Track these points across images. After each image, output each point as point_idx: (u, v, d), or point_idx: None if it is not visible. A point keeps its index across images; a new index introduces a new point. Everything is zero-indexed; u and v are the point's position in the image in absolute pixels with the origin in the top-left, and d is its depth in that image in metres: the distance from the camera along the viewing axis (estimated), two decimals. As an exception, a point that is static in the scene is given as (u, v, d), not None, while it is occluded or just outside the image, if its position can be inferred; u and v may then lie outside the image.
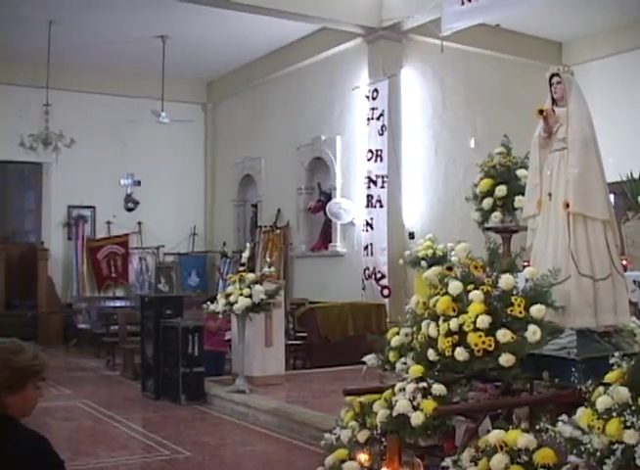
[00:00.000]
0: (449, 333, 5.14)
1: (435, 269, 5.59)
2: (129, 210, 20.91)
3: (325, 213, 16.70)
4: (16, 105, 18.88)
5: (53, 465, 3.28)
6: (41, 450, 3.25)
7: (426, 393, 5.09)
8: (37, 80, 18.15)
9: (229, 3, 14.25)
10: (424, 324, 5.37)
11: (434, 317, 5.30)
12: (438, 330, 5.21)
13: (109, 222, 20.59)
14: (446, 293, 5.30)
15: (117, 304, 19.60)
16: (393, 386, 5.36)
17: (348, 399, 5.76)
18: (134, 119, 18.91)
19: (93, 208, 20.48)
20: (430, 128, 15.33)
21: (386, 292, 14.81)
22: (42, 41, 16.64)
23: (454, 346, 5.10)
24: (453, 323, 5.11)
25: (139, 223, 20.78)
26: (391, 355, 5.88)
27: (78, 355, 17.02)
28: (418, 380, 5.21)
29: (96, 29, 16.64)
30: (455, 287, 5.26)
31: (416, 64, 15.50)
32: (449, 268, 5.50)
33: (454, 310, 5.18)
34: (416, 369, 5.28)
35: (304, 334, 14.12)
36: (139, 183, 20.86)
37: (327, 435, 5.72)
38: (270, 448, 8.70)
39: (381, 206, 14.98)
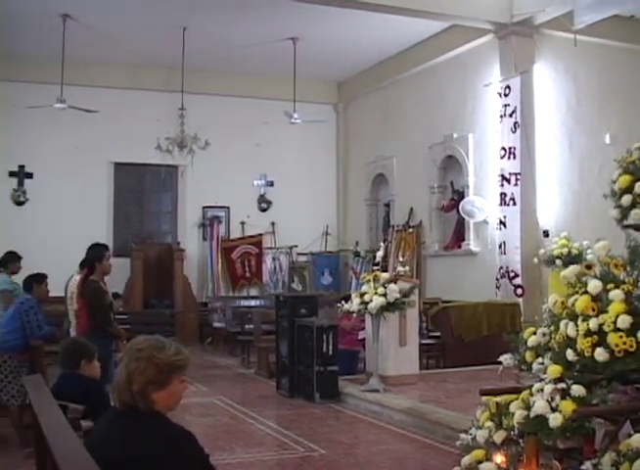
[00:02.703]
0: (589, 333, 5.02)
1: (574, 268, 5.47)
2: (263, 210, 21.23)
3: (458, 212, 16.59)
4: (152, 109, 19.46)
5: (199, 459, 3.37)
6: (188, 445, 3.34)
7: (564, 394, 5.00)
8: (172, 85, 18.66)
9: (359, 3, 14.29)
10: (562, 324, 5.26)
11: (573, 317, 5.19)
12: (577, 330, 5.10)
13: (243, 223, 20.96)
14: (585, 292, 5.18)
15: (252, 303, 19.89)
16: (531, 386, 5.27)
17: (484, 398, 5.70)
18: (267, 121, 19.15)
19: (227, 208, 20.88)
20: (563, 124, 15.01)
21: (519, 291, 14.59)
22: (177, 46, 17.07)
23: (594, 346, 4.99)
24: (593, 323, 4.99)
25: (272, 223, 21.07)
26: (528, 355, 5.79)
27: (214, 353, 17.38)
28: (556, 381, 5.12)
29: (228, 34, 16.98)
30: (595, 286, 5.13)
31: (548, 59, 15.20)
32: (588, 267, 5.37)
33: (594, 310, 5.06)
34: (554, 370, 5.18)
35: (438, 333, 14.05)
36: (272, 184, 21.16)
37: (462, 435, 5.66)
38: (404, 447, 8.68)
39: (514, 203, 14.78)
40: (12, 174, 19.12)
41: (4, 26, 16.44)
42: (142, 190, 21.11)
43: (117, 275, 15.32)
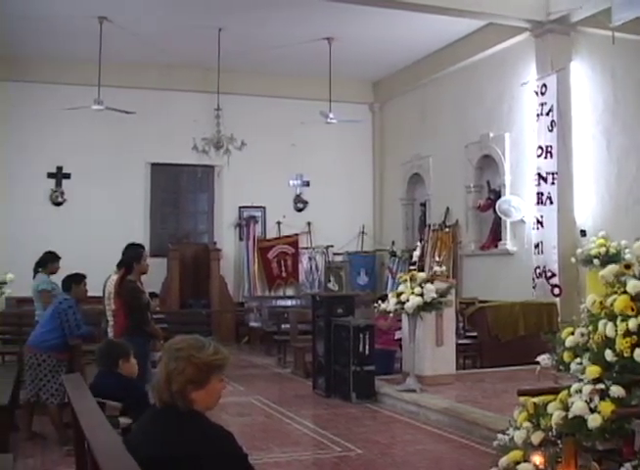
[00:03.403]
0: (628, 333, 4.99)
1: (613, 268, 5.43)
2: (299, 210, 21.27)
3: (494, 211, 16.52)
4: (188, 110, 19.60)
5: (238, 459, 3.39)
6: (227, 445, 3.36)
7: (603, 395, 4.96)
8: (208, 85, 18.78)
9: (397, 3, 14.29)
10: (600, 324, 5.23)
11: (612, 317, 5.15)
12: (616, 330, 5.07)
13: (279, 222, 21.01)
14: (624, 292, 5.14)
15: (288, 302, 19.95)
16: (569, 387, 5.24)
17: (522, 399, 5.67)
18: (303, 121, 19.17)
19: (263, 208, 20.94)
20: (600, 123, 14.86)
21: (556, 291, 14.49)
22: (212, 47, 17.15)
23: (633, 346, 4.95)
24: (632, 323, 4.95)
25: (308, 223, 21.10)
26: (566, 356, 5.75)
27: (250, 353, 17.44)
28: (595, 381, 5.09)
29: (263, 34, 17.04)
30: (634, 286, 5.10)
31: (585, 57, 15.06)
32: (627, 266, 5.33)
33: (633, 310, 5.02)
34: (593, 370, 5.15)
35: (474, 333, 14.01)
36: (308, 184, 21.20)
37: (500, 435, 5.64)
38: (440, 448, 8.67)
39: (551, 203, 14.68)
40: (50, 175, 19.33)
41: (43, 29, 16.62)
42: (178, 190, 21.22)
43: (154, 275, 15.43)
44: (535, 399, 5.51)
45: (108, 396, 5.90)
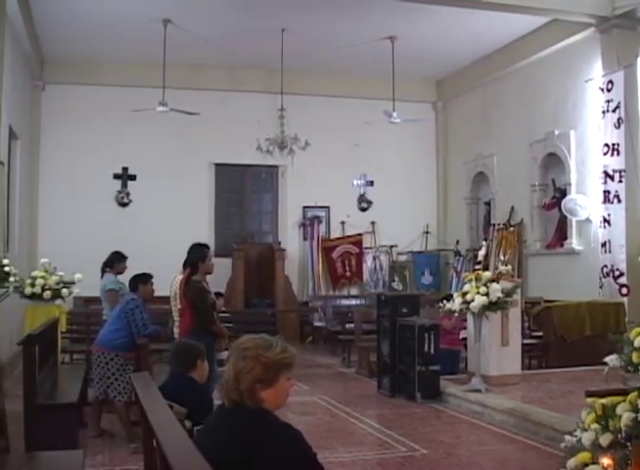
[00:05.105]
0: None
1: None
2: (363, 209, 21.28)
3: (560, 210, 16.35)
4: (252, 110, 19.74)
5: (307, 457, 3.40)
6: (296, 443, 3.38)
7: (674, 396, 4.90)
8: (272, 86, 18.90)
9: (459, 1, 14.23)
10: (671, 325, 5.17)
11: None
12: (687, 332, 5.00)
13: (343, 222, 21.05)
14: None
15: (352, 302, 19.97)
16: (638, 388, 5.18)
17: (589, 400, 5.61)
18: (367, 121, 19.18)
19: (327, 208, 20.99)
20: (669, 119, 14.66)
21: (624, 290, 14.31)
22: (275, 48, 17.23)
23: (703, 347, 4.89)
24: None
25: (372, 223, 21.10)
26: (635, 357, 5.69)
27: (314, 352, 17.48)
28: (665, 383, 5.03)
29: (326, 34, 17.08)
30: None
31: (653, 52, 14.87)
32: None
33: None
34: (662, 372, 5.09)
35: (540, 333, 13.89)
36: (372, 183, 21.20)
37: (567, 437, 5.59)
38: (506, 448, 8.62)
39: (619, 201, 14.49)
40: (116, 176, 19.61)
41: (109, 34, 16.86)
42: (243, 190, 21.37)
43: (219, 275, 15.54)
44: (604, 401, 5.45)
45: (176, 399, 5.95)
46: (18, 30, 14.98)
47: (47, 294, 11.21)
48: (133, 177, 19.67)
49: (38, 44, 17.66)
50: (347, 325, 16.33)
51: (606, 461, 5.06)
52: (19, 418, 7.43)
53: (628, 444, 5.02)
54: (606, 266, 14.64)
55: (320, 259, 20.66)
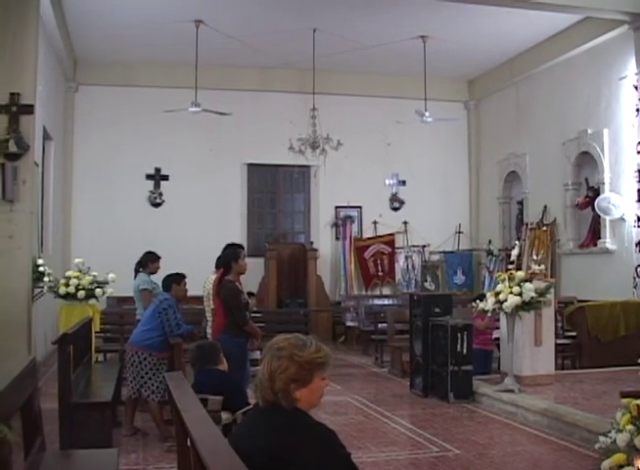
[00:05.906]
0: None
1: None
2: (395, 209, 21.26)
3: (593, 209, 16.25)
4: (284, 110, 19.79)
5: (341, 457, 3.41)
6: (331, 443, 3.38)
7: None
8: (304, 86, 18.95)
9: (491, -1, 14.21)
10: None
11: None
12: None
13: (375, 222, 21.04)
14: None
15: (384, 302, 19.95)
16: (673, 389, 5.15)
17: (624, 401, 5.58)
18: (399, 120, 19.17)
19: (359, 208, 20.99)
20: (702, 117, 14.52)
21: (659, 290, 14.22)
22: (307, 48, 17.25)
23: None
24: None
25: (404, 222, 21.08)
26: (670, 357, 5.66)
27: (347, 352, 17.47)
28: (700, 383, 4.99)
29: (357, 33, 17.07)
30: None
31: (687, 48, 14.74)
32: None
33: None
34: (697, 372, 5.06)
35: (574, 333, 13.81)
36: (404, 183, 21.18)
37: (601, 438, 5.56)
38: (539, 449, 8.56)
39: (653, 200, 14.41)
40: (149, 177, 19.73)
41: (142, 35, 16.97)
42: (275, 190, 21.41)
43: (252, 275, 15.62)
44: (639, 401, 5.41)
45: (208, 391, 6.09)
46: (51, 32, 15.11)
47: (81, 294, 11.32)
48: (166, 178, 19.78)
49: (71, 46, 17.82)
50: (380, 325, 16.29)
51: (641, 463, 5.03)
52: (54, 416, 7.51)
53: (664, 445, 4.99)
54: (640, 266, 14.56)
55: (352, 259, 20.66)
